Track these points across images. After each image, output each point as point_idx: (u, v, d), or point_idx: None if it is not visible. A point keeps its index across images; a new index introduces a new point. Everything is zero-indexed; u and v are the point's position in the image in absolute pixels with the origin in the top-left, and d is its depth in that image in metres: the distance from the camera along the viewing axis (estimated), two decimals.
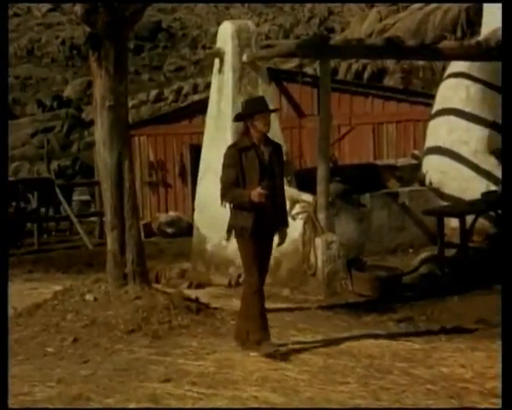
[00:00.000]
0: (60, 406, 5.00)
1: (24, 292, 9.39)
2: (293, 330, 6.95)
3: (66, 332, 6.76)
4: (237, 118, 6.37)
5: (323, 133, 9.45)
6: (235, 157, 5.97)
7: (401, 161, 12.99)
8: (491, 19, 12.05)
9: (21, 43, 38.06)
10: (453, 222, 10.50)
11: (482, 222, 10.64)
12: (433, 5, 27.76)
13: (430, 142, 12.24)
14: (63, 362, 6.08)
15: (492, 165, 11.54)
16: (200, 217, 11.06)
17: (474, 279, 9.06)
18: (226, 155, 6.09)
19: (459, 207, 10.67)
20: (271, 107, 6.96)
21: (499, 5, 11.91)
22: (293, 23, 39.20)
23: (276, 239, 6.17)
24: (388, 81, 24.11)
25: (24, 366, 5.95)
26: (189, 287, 9.81)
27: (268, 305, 6.28)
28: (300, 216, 9.26)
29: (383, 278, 9.11)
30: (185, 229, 15.24)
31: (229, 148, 6.16)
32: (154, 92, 28.74)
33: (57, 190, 16.03)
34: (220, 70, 10.70)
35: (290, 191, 8.92)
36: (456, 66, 11.95)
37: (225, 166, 6.04)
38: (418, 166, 12.28)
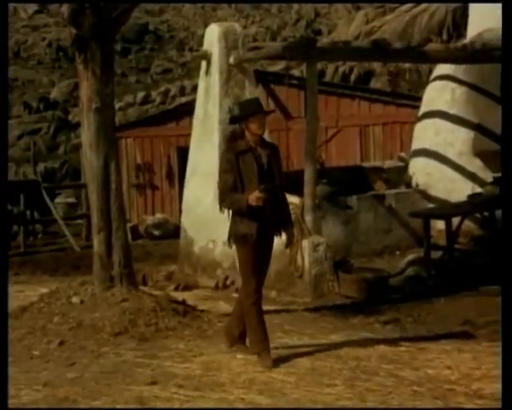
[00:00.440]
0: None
1: (10, 295, 9.33)
2: (280, 332, 6.96)
3: (52, 335, 6.74)
4: (232, 120, 6.25)
5: (310, 135, 9.47)
6: (232, 161, 5.79)
7: (388, 164, 13.02)
8: (477, 21, 12.13)
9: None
10: (439, 224, 10.54)
11: (468, 224, 10.69)
12: (420, 8, 27.82)
13: (416, 144, 12.29)
14: (49, 365, 6.07)
15: (477, 167, 11.60)
16: (187, 219, 11.05)
17: (460, 281, 9.09)
18: (223, 160, 5.96)
19: (445, 210, 10.71)
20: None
21: (485, 8, 12.02)
22: (280, 25, 39.20)
23: (276, 241, 6.01)
24: (375, 83, 24.16)
25: (10, 369, 5.92)
26: (176, 289, 9.80)
27: None
28: None
29: (370, 280, 9.13)
30: (172, 231, 15.22)
31: (226, 152, 6.01)
32: (141, 94, 28.66)
33: (44, 193, 15.96)
34: (207, 72, 10.70)
35: None
36: (442, 68, 12.01)
37: (222, 171, 5.86)
38: (405, 169, 12.32)
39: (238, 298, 6.21)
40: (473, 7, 12.65)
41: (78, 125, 21.34)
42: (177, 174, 16.80)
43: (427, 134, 12.07)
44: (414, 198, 11.62)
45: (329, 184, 11.06)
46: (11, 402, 5.09)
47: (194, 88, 18.21)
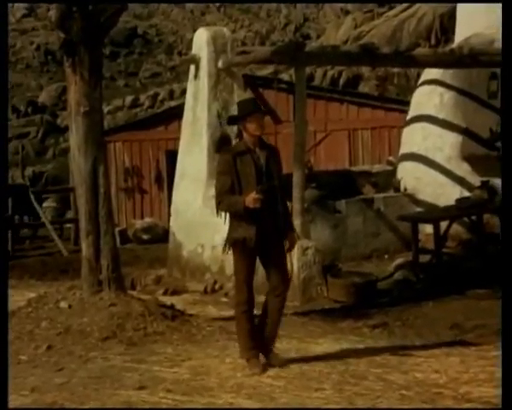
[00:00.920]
0: None
1: None
2: None
3: (40, 340, 6.71)
4: (230, 121, 6.13)
5: (299, 139, 9.48)
6: (230, 163, 5.58)
7: (376, 168, 13.06)
8: (465, 26, 12.20)
9: None
10: (428, 228, 10.58)
11: (456, 228, 10.73)
12: (408, 12, 27.93)
13: (405, 148, 12.32)
14: (37, 370, 6.03)
15: (465, 171, 11.65)
16: (176, 223, 11.04)
17: (448, 285, 9.12)
18: (220, 162, 5.76)
19: (433, 214, 10.75)
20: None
21: (472, 13, 12.09)
22: (269, 29, 39.25)
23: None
24: (363, 88, 24.20)
25: None
26: (165, 293, 9.78)
27: None
28: None
29: (358, 284, 9.14)
30: (161, 235, 15.20)
31: (224, 153, 5.87)
32: (129, 98, 28.62)
33: (32, 197, 15.91)
34: (196, 76, 10.70)
35: None
36: (430, 73, 12.06)
37: (219, 173, 5.67)
38: (393, 173, 12.35)
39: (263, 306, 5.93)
40: (460, 12, 12.72)
41: (66, 128, 21.31)
42: (166, 178, 16.79)
43: (415, 138, 12.11)
44: (402, 202, 11.65)
45: (318, 188, 11.08)
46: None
47: (183, 92, 18.20)
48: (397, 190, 11.98)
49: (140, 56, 37.87)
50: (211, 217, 10.04)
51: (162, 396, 5.20)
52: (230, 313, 7.71)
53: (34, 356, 6.41)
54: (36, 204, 15.94)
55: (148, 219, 16.65)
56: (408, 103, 13.07)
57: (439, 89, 11.91)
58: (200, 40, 10.64)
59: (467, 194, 11.08)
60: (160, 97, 28.55)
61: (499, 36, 11.13)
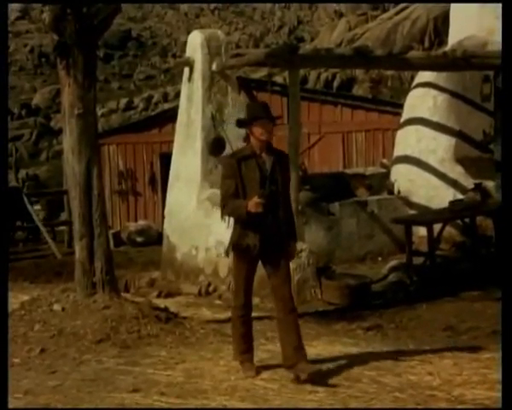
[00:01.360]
0: None
1: None
2: (263, 338, 6.95)
3: (33, 343, 6.69)
4: (239, 124, 6.05)
5: (293, 142, 9.49)
6: (234, 167, 5.50)
7: (370, 170, 13.07)
8: (458, 29, 12.24)
9: None
10: (421, 230, 10.59)
11: (449, 230, 10.75)
12: (402, 15, 28.03)
13: (399, 150, 12.34)
14: (30, 373, 6.02)
15: (459, 173, 11.67)
16: (169, 226, 11.03)
17: (441, 287, 9.14)
18: (225, 166, 5.72)
19: (427, 216, 10.77)
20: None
21: (466, 15, 12.12)
22: (263, 32, 39.32)
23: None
24: (357, 90, 24.28)
25: None
26: (159, 296, 9.77)
27: None
28: None
29: (352, 286, 9.15)
30: (155, 238, 15.20)
31: (228, 157, 5.83)
32: (123, 101, 28.65)
33: (25, 200, 15.89)
34: (190, 79, 10.71)
35: None
36: (423, 76, 12.08)
37: (224, 177, 5.60)
38: (387, 175, 12.37)
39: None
40: (454, 15, 12.76)
41: (60, 131, 21.30)
42: (160, 180, 16.79)
43: (409, 141, 12.13)
44: (396, 204, 11.67)
45: (312, 191, 11.08)
46: None
47: (177, 94, 18.21)
48: (390, 192, 12.00)
49: (134, 59, 37.88)
50: (205, 219, 10.10)
51: (156, 399, 5.20)
52: (224, 315, 7.74)
53: (27, 359, 6.39)
54: (29, 207, 15.92)
55: (141, 222, 16.65)
56: (401, 106, 13.10)
57: (433, 91, 11.94)
58: (195, 43, 10.64)
59: (460, 196, 11.11)
60: (154, 100, 28.58)
61: (492, 38, 11.22)
